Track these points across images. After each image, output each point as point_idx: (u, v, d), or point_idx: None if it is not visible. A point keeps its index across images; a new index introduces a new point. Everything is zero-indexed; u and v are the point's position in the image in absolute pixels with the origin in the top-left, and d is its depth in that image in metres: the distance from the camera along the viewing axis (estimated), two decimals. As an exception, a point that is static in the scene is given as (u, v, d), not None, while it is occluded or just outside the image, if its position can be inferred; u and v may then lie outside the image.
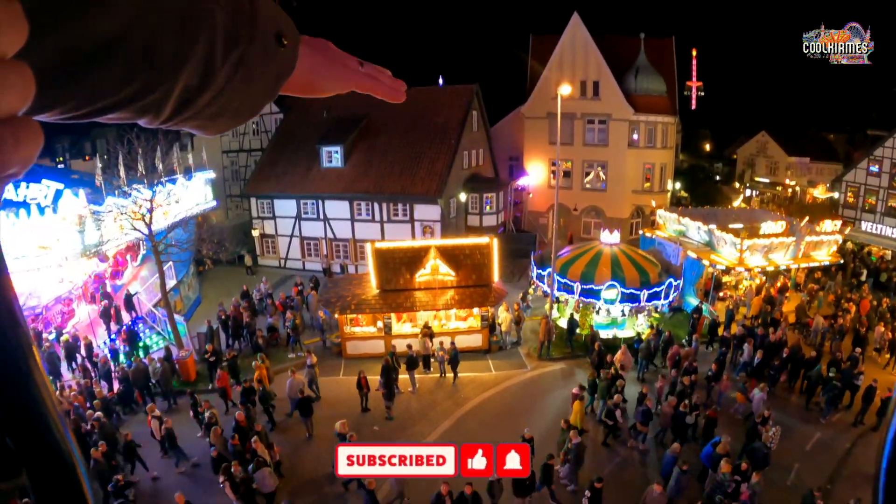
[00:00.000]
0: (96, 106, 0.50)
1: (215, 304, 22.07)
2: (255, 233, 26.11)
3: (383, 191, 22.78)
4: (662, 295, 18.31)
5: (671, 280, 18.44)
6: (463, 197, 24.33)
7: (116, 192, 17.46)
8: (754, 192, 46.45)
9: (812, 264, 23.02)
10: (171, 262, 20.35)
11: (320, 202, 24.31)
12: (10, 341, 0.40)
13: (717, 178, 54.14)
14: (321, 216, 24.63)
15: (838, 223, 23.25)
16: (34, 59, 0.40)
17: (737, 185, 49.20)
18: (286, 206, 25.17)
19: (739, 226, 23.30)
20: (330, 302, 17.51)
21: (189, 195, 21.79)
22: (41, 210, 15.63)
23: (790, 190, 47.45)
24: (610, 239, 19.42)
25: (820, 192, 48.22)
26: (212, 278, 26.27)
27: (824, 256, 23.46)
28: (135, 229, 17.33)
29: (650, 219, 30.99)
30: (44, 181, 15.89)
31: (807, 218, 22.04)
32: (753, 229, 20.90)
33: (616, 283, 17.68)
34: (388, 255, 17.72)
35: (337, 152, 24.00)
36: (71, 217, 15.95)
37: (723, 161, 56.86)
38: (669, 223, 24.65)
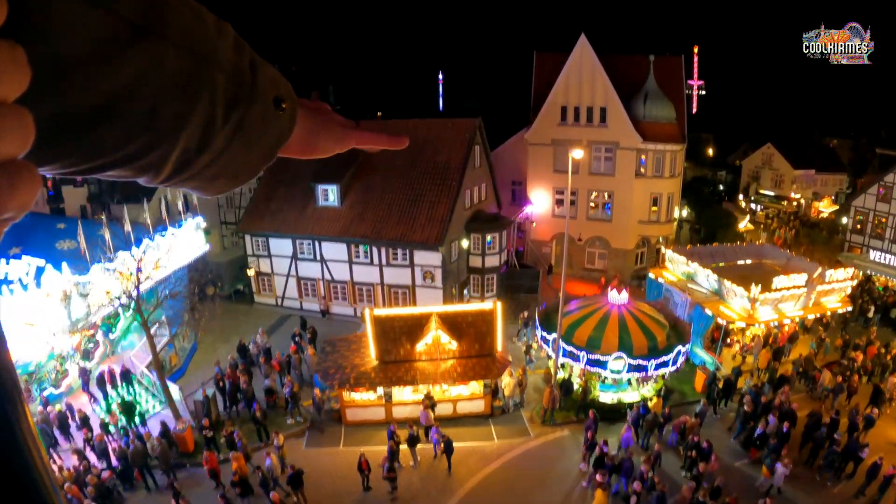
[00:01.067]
0: (95, 163, 0.51)
1: (212, 352, 21.75)
2: (251, 272, 25.51)
3: (382, 236, 22.14)
4: (671, 362, 17.95)
5: (679, 347, 18.04)
6: (465, 243, 23.71)
7: (102, 258, 16.79)
8: (759, 206, 45.80)
9: (822, 313, 22.68)
10: (163, 317, 19.92)
11: (317, 243, 23.68)
12: None
13: (722, 188, 53.36)
14: (318, 257, 24.03)
15: (850, 271, 22.76)
16: (35, 116, 0.41)
17: (741, 198, 48.53)
18: (282, 245, 24.54)
19: (747, 262, 23.00)
20: (328, 374, 17.08)
21: (181, 244, 21.09)
22: (24, 286, 15.03)
23: (795, 203, 46.88)
24: (618, 300, 18.93)
25: (825, 206, 47.73)
26: (209, 314, 25.76)
27: (835, 303, 23.12)
28: (124, 294, 16.78)
29: (654, 247, 30.55)
30: (24, 258, 15.25)
31: (819, 269, 21.47)
32: (765, 283, 20.38)
33: (623, 355, 17.30)
34: (388, 323, 17.22)
35: (333, 192, 23.27)
36: (55, 293, 15.35)
37: (726, 168, 56.03)
38: (678, 265, 24.17)
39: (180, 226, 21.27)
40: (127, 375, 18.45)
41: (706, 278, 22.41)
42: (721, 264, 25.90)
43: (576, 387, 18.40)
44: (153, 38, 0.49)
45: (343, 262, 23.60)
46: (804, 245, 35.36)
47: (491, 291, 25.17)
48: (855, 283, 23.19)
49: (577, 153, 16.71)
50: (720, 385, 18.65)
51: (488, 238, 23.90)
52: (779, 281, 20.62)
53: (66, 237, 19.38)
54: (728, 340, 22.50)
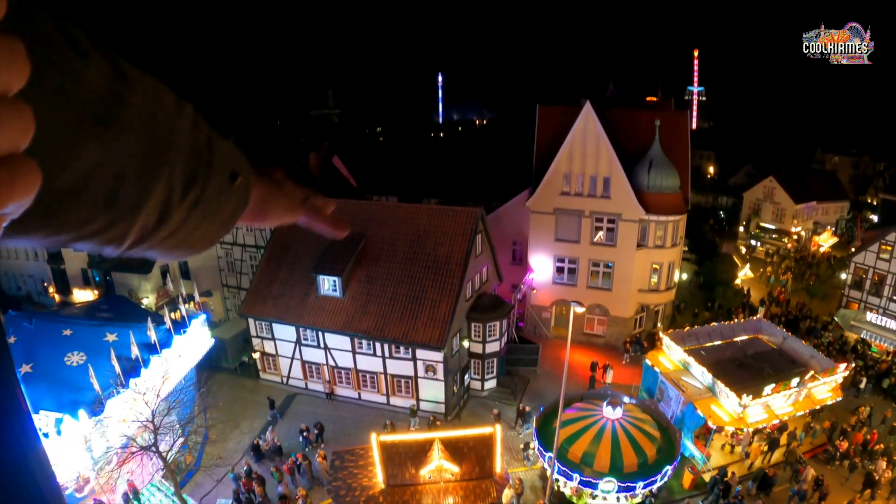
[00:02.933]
0: (61, 238, 0.55)
1: (223, 441, 22.79)
2: (256, 355, 26.51)
3: (385, 334, 23.09)
4: (658, 480, 19.31)
5: (666, 467, 19.40)
6: (466, 343, 24.68)
7: (113, 390, 17.76)
8: (758, 244, 46.65)
9: (812, 408, 23.91)
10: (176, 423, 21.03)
11: (320, 332, 24.63)
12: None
13: (723, 214, 54.04)
14: (321, 345, 25.03)
15: (842, 366, 23.91)
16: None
17: (741, 230, 49.33)
18: (285, 330, 25.49)
19: (744, 338, 24.08)
20: (339, 496, 18.34)
21: (188, 345, 21.98)
22: (45, 435, 16.03)
23: (795, 236, 47.71)
24: (613, 414, 20.13)
25: (825, 240, 48.57)
26: (216, 393, 26.74)
27: (825, 394, 24.35)
28: (139, 419, 17.83)
29: (653, 311, 31.59)
30: (42, 412, 16.19)
31: (811, 373, 22.62)
32: (756, 390, 21.55)
33: (613, 479, 18.62)
34: (393, 448, 18.39)
35: (335, 283, 24.07)
36: (76, 439, 16.37)
37: (728, 192, 56.55)
38: (674, 351, 25.27)
39: (185, 330, 22.03)
40: (136, 494, 19.56)
41: (702, 374, 23.52)
42: (718, 342, 27.16)
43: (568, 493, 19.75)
44: (115, 126, 0.52)
45: (346, 351, 24.61)
46: (802, 300, 36.43)
47: (491, 373, 26.31)
48: (841, 378, 24.25)
49: (579, 308, 17.51)
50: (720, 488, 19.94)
51: (489, 326, 24.85)
52: (769, 387, 21.75)
53: (73, 348, 20.25)
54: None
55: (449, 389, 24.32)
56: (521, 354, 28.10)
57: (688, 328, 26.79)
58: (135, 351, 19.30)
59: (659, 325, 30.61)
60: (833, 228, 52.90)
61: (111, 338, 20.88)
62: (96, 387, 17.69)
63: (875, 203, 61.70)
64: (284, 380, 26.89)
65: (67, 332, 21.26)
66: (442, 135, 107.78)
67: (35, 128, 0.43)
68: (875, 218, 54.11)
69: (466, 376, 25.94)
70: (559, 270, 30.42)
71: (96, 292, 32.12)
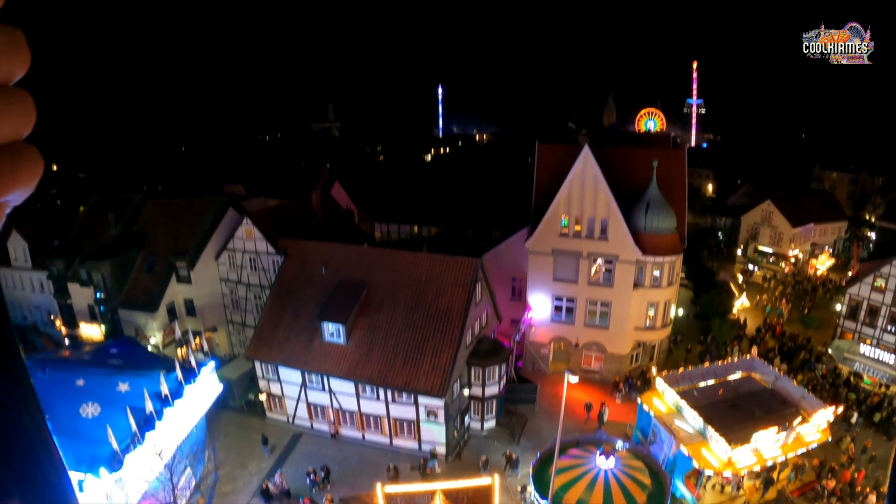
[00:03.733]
0: None
1: (232, 482, 24.02)
2: (262, 396, 27.72)
3: (388, 381, 24.30)
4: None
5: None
6: (467, 392, 25.89)
7: (130, 445, 18.94)
8: (755, 267, 47.84)
9: (800, 450, 25.09)
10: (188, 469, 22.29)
11: (325, 377, 25.82)
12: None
13: (721, 236, 55.25)
14: (326, 388, 26.23)
15: (831, 409, 25.02)
16: None
17: (739, 253, 50.56)
18: (291, 373, 26.68)
19: (737, 376, 25.31)
20: (344, 545, 19.55)
21: (199, 392, 23.15)
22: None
23: (793, 260, 48.86)
24: (605, 464, 21.33)
25: (822, 262, 49.73)
26: (224, 432, 27.99)
27: (814, 436, 25.54)
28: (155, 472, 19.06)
29: (650, 346, 32.81)
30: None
31: (799, 418, 23.81)
32: (745, 436, 22.75)
33: (605, 530, 19.84)
34: (398, 499, 19.60)
35: (339, 330, 25.27)
36: (98, 496, 17.56)
37: (726, 213, 57.71)
38: (668, 394, 26.45)
39: (194, 380, 23.20)
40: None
41: (692, 417, 24.70)
42: (711, 382, 28.36)
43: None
44: None
45: (350, 395, 25.81)
46: (798, 330, 37.60)
47: (490, 414, 27.52)
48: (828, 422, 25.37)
49: (573, 378, 18.72)
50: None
51: (488, 371, 26.05)
52: (758, 435, 22.91)
53: (88, 399, 21.43)
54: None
55: (450, 432, 25.52)
56: (520, 393, 29.29)
57: (682, 370, 27.96)
58: (149, 406, 20.49)
59: (653, 362, 31.77)
60: (830, 250, 54.11)
61: (124, 387, 22.11)
62: (114, 443, 18.90)
63: (873, 220, 63.01)
64: (290, 419, 28.09)
65: (80, 383, 22.44)
66: (443, 150, 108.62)
67: (36, 116, 0.44)
68: (872, 234, 55.43)
69: (467, 417, 27.14)
70: (557, 309, 31.61)
71: (102, 327, 33.28)
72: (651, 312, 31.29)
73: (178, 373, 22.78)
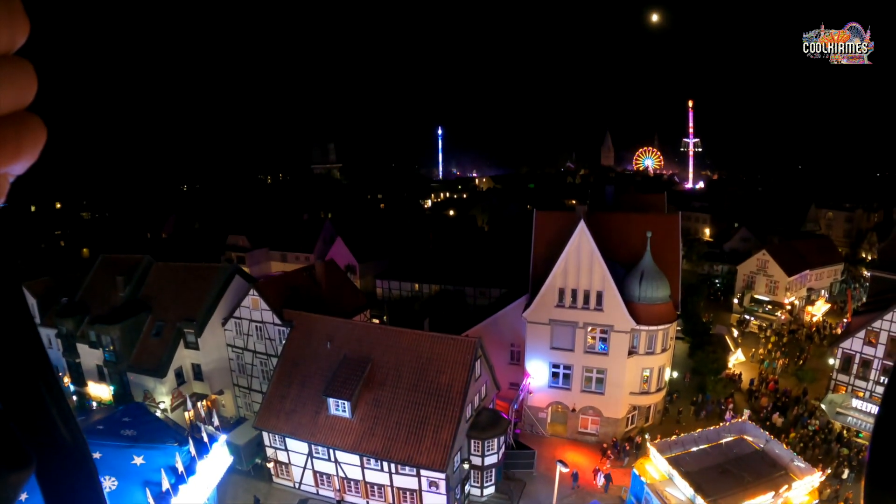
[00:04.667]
0: None
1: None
2: (270, 464, 29.06)
3: (391, 455, 25.70)
4: None
5: None
6: (467, 466, 27.29)
7: None
8: (751, 318, 49.44)
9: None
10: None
11: (331, 449, 27.20)
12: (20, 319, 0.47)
13: (718, 283, 56.99)
14: (332, 458, 27.59)
15: (818, 474, 26.27)
16: None
17: (735, 302, 52.25)
18: (297, 443, 28.04)
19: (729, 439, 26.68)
20: None
21: (211, 466, 24.49)
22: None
23: (789, 307, 50.47)
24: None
25: (817, 309, 51.34)
26: (231, 495, 29.20)
27: (802, 498, 26.84)
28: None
29: (645, 408, 34.20)
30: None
31: (786, 486, 25.16)
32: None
33: None
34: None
35: (344, 405, 26.75)
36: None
37: (723, 260, 59.50)
38: (660, 463, 27.80)
39: (206, 452, 24.60)
40: None
41: (683, 486, 26.02)
42: (706, 447, 29.71)
43: None
44: None
45: (356, 465, 27.17)
46: (791, 385, 39.02)
47: (490, 481, 28.81)
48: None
49: (564, 469, 20.14)
50: None
51: (487, 443, 27.47)
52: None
53: (105, 473, 22.61)
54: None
55: (451, 501, 26.79)
56: (518, 459, 30.60)
57: (674, 437, 29.33)
58: (165, 484, 21.87)
59: (645, 424, 33.02)
60: (826, 294, 55.75)
61: (138, 461, 23.48)
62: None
63: (868, 259, 64.85)
64: (297, 485, 29.36)
65: (97, 456, 23.83)
66: (443, 196, 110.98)
67: (37, 85, 0.46)
68: (868, 274, 57.11)
69: (467, 486, 28.43)
70: (555, 375, 33.11)
71: (111, 388, 34.63)
72: (646, 377, 32.79)
73: (192, 447, 24.18)
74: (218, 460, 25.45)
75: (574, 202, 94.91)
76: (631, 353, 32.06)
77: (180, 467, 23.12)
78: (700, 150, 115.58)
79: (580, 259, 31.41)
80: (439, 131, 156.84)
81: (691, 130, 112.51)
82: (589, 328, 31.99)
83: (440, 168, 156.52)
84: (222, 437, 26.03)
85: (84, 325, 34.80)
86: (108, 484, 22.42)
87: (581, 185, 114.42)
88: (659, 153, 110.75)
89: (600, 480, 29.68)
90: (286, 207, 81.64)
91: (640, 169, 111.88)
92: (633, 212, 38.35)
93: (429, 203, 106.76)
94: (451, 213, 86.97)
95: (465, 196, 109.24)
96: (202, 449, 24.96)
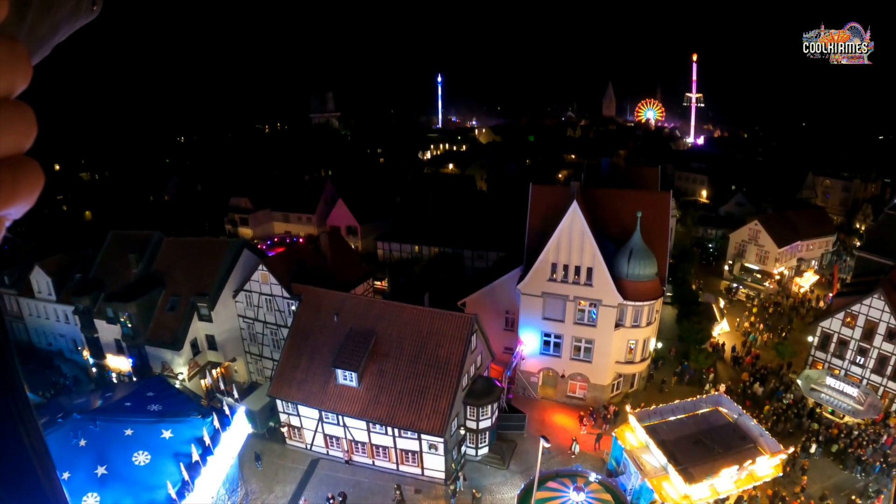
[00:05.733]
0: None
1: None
2: (283, 429, 32.43)
3: (395, 421, 28.98)
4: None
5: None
6: (463, 431, 30.54)
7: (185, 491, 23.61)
8: (740, 287, 52.11)
9: (754, 483, 29.94)
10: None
11: (339, 415, 30.48)
12: None
13: (712, 248, 59.29)
14: (341, 423, 30.94)
15: (778, 459, 29.47)
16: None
17: (726, 269, 54.81)
18: (309, 410, 31.30)
19: (706, 410, 30.21)
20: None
21: (233, 436, 27.71)
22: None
23: (778, 276, 53.10)
24: (578, 498, 26.23)
25: (806, 280, 53.96)
26: (248, 458, 32.74)
27: (767, 471, 30.38)
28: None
29: (630, 376, 37.45)
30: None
31: (750, 460, 28.50)
32: (701, 475, 27.58)
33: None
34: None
35: (351, 375, 29.77)
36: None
37: (717, 224, 61.46)
38: (639, 431, 31.19)
39: (229, 424, 27.73)
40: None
41: (658, 454, 29.49)
42: (682, 416, 33.07)
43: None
44: None
45: (362, 429, 30.54)
46: (771, 358, 42.18)
47: (484, 443, 32.34)
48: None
49: (546, 444, 23.15)
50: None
51: (482, 409, 30.73)
52: (709, 479, 27.62)
53: (138, 448, 25.71)
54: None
55: (448, 461, 30.37)
56: (510, 422, 34.10)
57: (654, 406, 32.63)
58: (195, 456, 25.06)
59: (630, 392, 36.37)
60: (816, 266, 58.26)
61: (167, 434, 26.65)
62: (170, 489, 23.57)
63: (862, 230, 67.03)
64: (308, 447, 32.92)
65: (129, 432, 26.82)
66: (442, 147, 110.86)
67: (37, 130, 0.47)
68: (858, 242, 59.43)
69: (463, 447, 31.98)
70: (546, 343, 36.12)
71: (130, 360, 37.48)
72: (631, 347, 35.82)
73: (216, 420, 27.31)
74: (239, 430, 28.69)
75: (573, 156, 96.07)
76: (618, 325, 34.92)
77: (207, 439, 26.28)
78: (702, 105, 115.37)
79: (572, 237, 33.62)
80: (439, 79, 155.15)
81: (694, 85, 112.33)
82: (578, 301, 34.69)
83: (440, 116, 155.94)
84: (241, 409, 29.16)
85: (100, 302, 37.28)
86: (142, 458, 25.19)
87: (581, 138, 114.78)
88: (661, 106, 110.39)
89: (576, 448, 33.01)
90: (286, 161, 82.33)
91: (642, 121, 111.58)
92: (627, 186, 40.27)
93: (428, 155, 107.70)
94: (451, 167, 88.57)
95: (464, 148, 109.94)
96: (224, 420, 28.11)
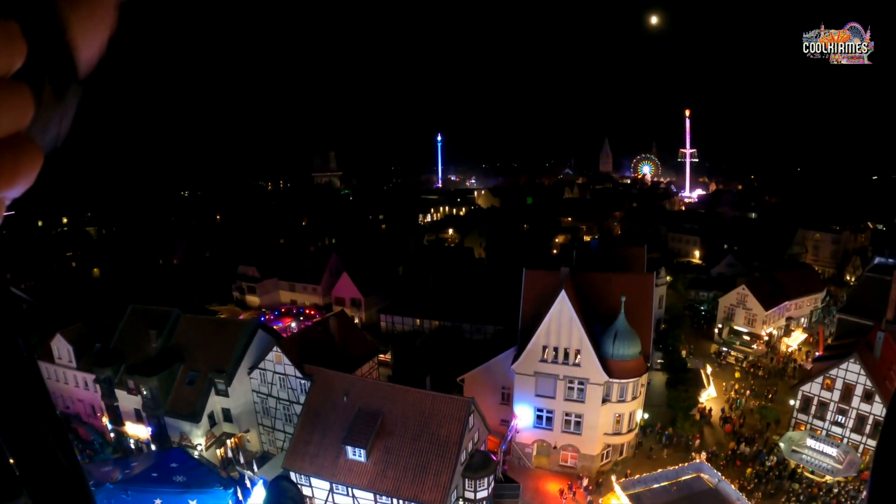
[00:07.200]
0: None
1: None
2: (295, 501, 36.67)
3: (400, 494, 33.31)
4: None
5: None
6: (461, 502, 34.91)
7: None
8: (729, 350, 56.84)
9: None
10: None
11: (349, 487, 34.85)
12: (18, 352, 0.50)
13: (704, 311, 64.28)
14: (350, 494, 35.25)
15: None
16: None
17: (716, 332, 59.65)
18: (320, 481, 35.68)
19: (688, 477, 34.54)
20: None
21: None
22: None
23: (766, 338, 57.86)
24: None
25: (794, 339, 58.73)
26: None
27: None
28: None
29: (619, 445, 41.83)
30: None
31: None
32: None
33: None
34: None
35: (360, 452, 34.28)
36: None
37: (709, 287, 66.56)
38: (623, 499, 35.47)
39: (249, 495, 32.17)
40: None
41: (643, 522, 33.76)
42: (665, 483, 37.38)
43: None
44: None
45: (370, 500, 34.84)
46: (758, 424, 46.55)
47: (482, 513, 36.56)
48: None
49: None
50: None
51: (479, 481, 35.11)
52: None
53: None
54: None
55: (449, 531, 34.54)
56: (506, 491, 38.30)
57: (637, 476, 36.97)
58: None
59: (620, 460, 40.67)
60: (805, 323, 63.05)
61: (193, 504, 31.10)
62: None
63: (852, 282, 72.14)
64: (319, 516, 37.09)
65: (158, 502, 31.47)
66: (443, 211, 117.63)
67: (34, 107, 0.49)
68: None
69: (462, 517, 36.19)
70: (539, 417, 40.67)
71: (149, 428, 41.98)
72: (618, 420, 40.34)
73: (238, 491, 31.77)
74: (258, 500, 33.08)
75: (570, 219, 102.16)
76: (605, 401, 39.56)
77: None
78: (696, 160, 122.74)
79: (561, 322, 38.65)
80: (438, 138, 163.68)
81: (688, 140, 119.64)
82: (568, 380, 39.44)
83: (439, 174, 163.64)
84: (260, 483, 33.61)
85: (121, 373, 42.03)
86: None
87: (579, 199, 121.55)
88: (656, 160, 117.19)
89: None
90: (291, 227, 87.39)
91: (639, 177, 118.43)
92: (615, 264, 45.74)
93: (429, 219, 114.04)
94: (451, 232, 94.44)
95: (462, 212, 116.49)
96: (245, 491, 32.57)
